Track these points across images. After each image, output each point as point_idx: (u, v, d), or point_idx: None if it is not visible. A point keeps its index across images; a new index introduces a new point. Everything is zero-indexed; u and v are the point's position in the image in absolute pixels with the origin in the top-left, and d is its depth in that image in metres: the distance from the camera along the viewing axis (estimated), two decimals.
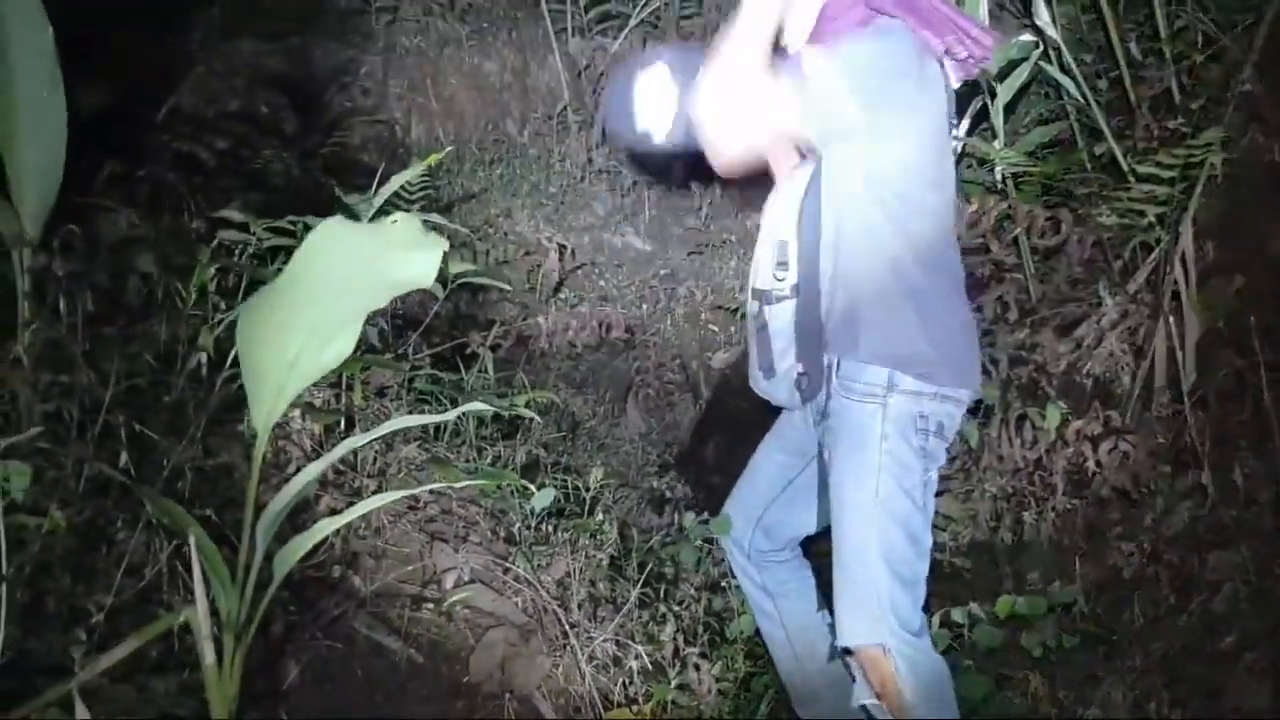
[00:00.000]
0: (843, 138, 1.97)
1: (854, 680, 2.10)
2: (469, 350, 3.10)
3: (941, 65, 2.06)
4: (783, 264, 2.15)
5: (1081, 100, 3.19)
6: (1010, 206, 3.01)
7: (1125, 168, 3.10)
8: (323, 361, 1.34)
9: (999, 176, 3.31)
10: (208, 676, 1.29)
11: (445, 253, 1.25)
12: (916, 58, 1.96)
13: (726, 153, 2.02)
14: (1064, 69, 3.20)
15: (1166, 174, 2.95)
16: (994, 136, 3.25)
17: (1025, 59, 3.17)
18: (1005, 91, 3.18)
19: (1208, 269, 2.94)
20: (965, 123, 3.28)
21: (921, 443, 1.98)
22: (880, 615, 1.96)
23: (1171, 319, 2.81)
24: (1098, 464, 2.57)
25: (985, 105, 3.22)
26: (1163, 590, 2.47)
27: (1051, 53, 3.21)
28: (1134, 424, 2.72)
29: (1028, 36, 3.15)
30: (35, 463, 1.64)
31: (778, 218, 2.21)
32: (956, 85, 2.10)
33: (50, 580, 1.64)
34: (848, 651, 2.06)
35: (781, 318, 2.15)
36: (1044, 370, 2.97)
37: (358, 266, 1.21)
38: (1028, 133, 3.40)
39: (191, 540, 1.29)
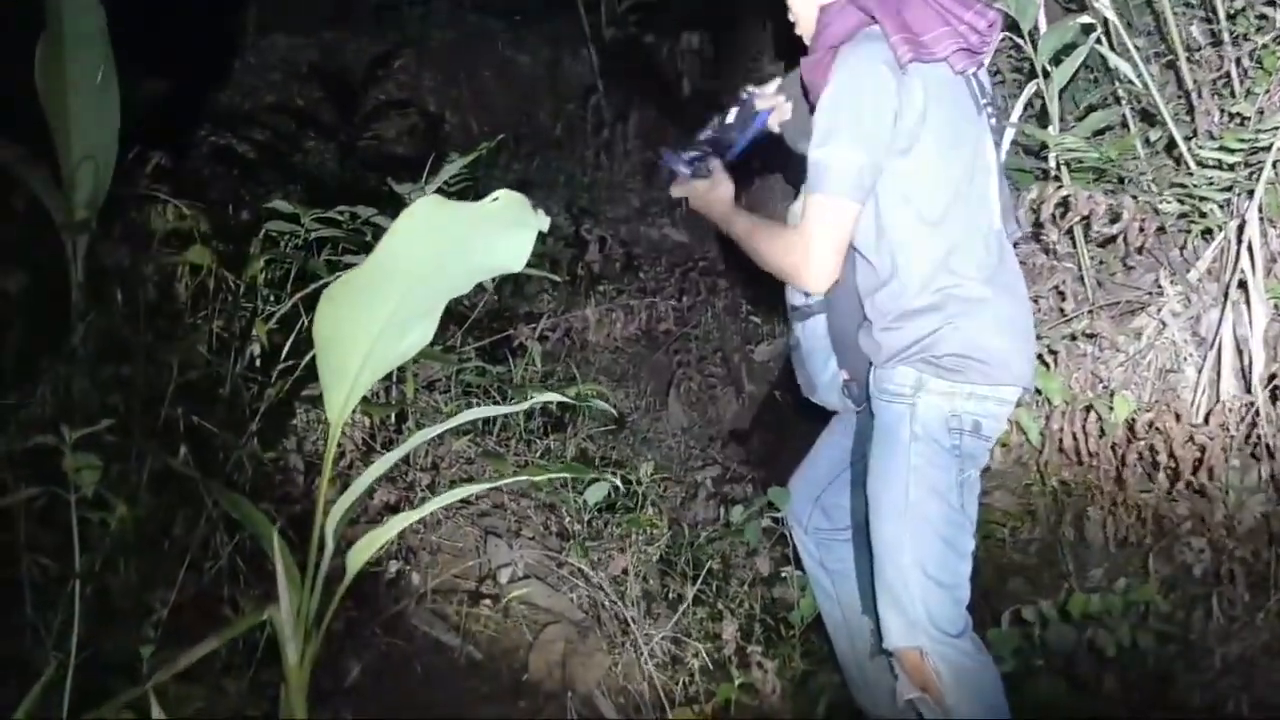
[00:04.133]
0: (873, 179, 1.94)
1: (895, 677, 2.08)
2: (516, 344, 3.06)
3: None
4: None
5: (1140, 85, 3.10)
6: (1070, 195, 2.93)
7: (1185, 152, 3.02)
8: (400, 350, 1.30)
9: (1053, 163, 3.24)
10: (290, 675, 1.25)
11: None
12: (892, 80, 1.89)
13: (829, 281, 1.98)
14: (1117, 51, 3.12)
15: (1230, 159, 2.87)
16: (1048, 123, 3.18)
17: (1079, 43, 3.09)
18: (1059, 76, 3.10)
19: (1273, 255, 2.86)
20: (1018, 109, 3.21)
21: (955, 442, 1.94)
22: (916, 619, 1.94)
23: (1239, 307, 2.72)
24: (1171, 456, 2.50)
25: (1039, 90, 3.14)
26: (1237, 588, 2.40)
27: (1103, 37, 3.13)
28: (1202, 416, 2.64)
29: (1085, 19, 3.07)
30: (99, 457, 1.60)
31: None
32: (961, 70, 2.03)
33: (115, 577, 1.61)
34: (891, 653, 2.03)
35: (814, 332, 2.19)
36: (1103, 361, 2.90)
37: (449, 247, 1.16)
38: (1082, 119, 3.32)
39: (275, 541, 1.25)
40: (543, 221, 1.14)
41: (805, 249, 1.95)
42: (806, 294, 2.16)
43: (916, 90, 1.92)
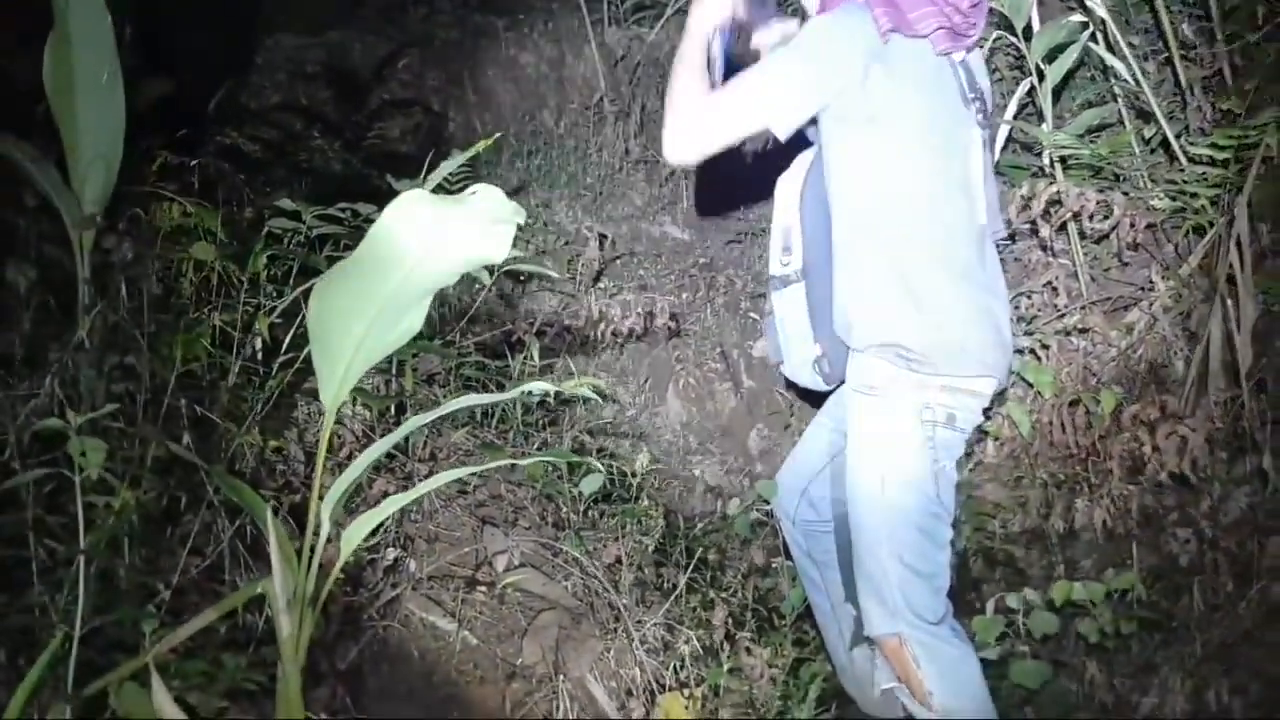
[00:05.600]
0: (799, 117, 1.96)
1: (875, 666, 2.12)
2: (515, 338, 3.11)
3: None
4: (787, 249, 2.19)
5: (1132, 82, 3.14)
6: (1061, 191, 2.97)
7: (1177, 149, 3.06)
8: (391, 339, 1.35)
9: (1047, 160, 3.27)
10: (284, 649, 1.30)
11: None
12: (869, 38, 1.93)
13: (686, 161, 2.04)
14: (1111, 49, 3.15)
15: (1220, 155, 2.91)
16: (1041, 120, 3.21)
17: (1074, 41, 3.12)
18: (1054, 74, 3.13)
19: (1263, 251, 2.89)
20: (1013, 106, 3.24)
21: (928, 434, 1.98)
22: (894, 607, 1.98)
23: (1228, 302, 2.76)
24: (1155, 449, 2.53)
25: (1033, 88, 3.18)
26: (1220, 577, 2.44)
27: (1099, 34, 3.16)
28: (1190, 409, 2.67)
29: (1077, 17, 3.10)
30: (104, 442, 1.65)
31: (783, 203, 2.24)
32: (944, 50, 2.05)
33: (119, 558, 1.67)
34: (873, 640, 2.08)
35: (790, 303, 2.20)
36: (1095, 355, 2.94)
37: (435, 238, 1.21)
38: (1075, 116, 3.35)
39: (268, 515, 1.30)
40: (519, 214, 1.19)
41: (694, 112, 1.97)
42: (784, 262, 2.18)
43: (895, 61, 1.93)
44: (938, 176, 2.01)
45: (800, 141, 2.30)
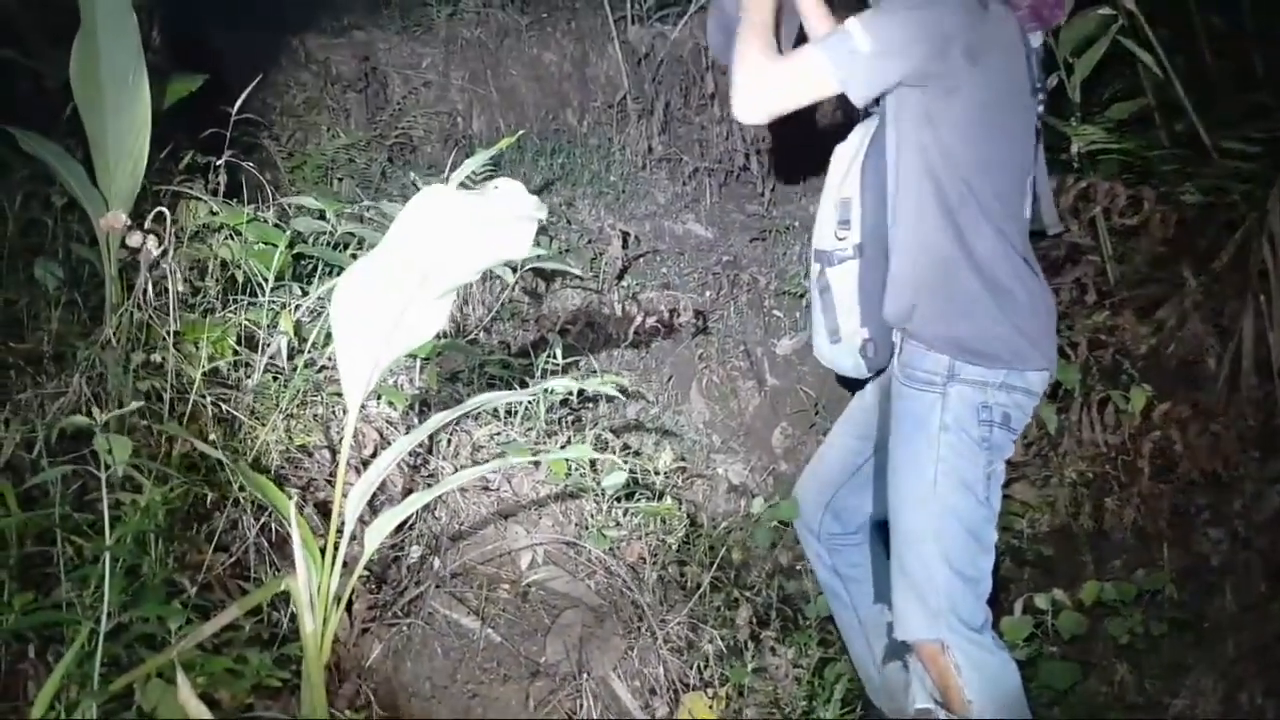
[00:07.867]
0: (877, 84, 1.89)
1: (908, 675, 2.05)
2: (539, 337, 3.11)
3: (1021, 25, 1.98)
4: (845, 223, 2.07)
5: (1161, 75, 3.10)
6: (1089, 186, 2.93)
7: (1208, 143, 3.01)
8: (415, 336, 1.34)
9: (1075, 153, 3.23)
10: (307, 644, 1.31)
11: None
12: (966, 8, 1.85)
13: (755, 119, 2.00)
14: (1141, 42, 3.11)
15: (1252, 149, 2.87)
16: (1070, 113, 3.18)
17: (1102, 34, 3.08)
18: (1082, 67, 3.10)
19: None
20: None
21: (985, 434, 1.91)
22: (938, 611, 1.91)
23: (1260, 298, 2.71)
24: (1187, 447, 2.50)
25: (1061, 82, 3.14)
26: (1253, 577, 2.40)
27: (1128, 27, 3.12)
28: (1222, 406, 2.63)
29: (1105, 10, 3.06)
30: (130, 440, 1.66)
31: (840, 174, 2.13)
32: (1036, 40, 2.00)
33: (145, 554, 1.68)
34: (907, 647, 2.02)
35: (844, 280, 2.09)
36: (1125, 352, 2.90)
37: (453, 235, 1.20)
38: (1103, 110, 3.31)
39: (292, 511, 1.31)
40: (541, 210, 1.18)
41: (761, 74, 1.91)
42: (841, 236, 2.08)
43: (986, 34, 1.86)
44: (1009, 159, 1.95)
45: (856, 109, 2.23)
